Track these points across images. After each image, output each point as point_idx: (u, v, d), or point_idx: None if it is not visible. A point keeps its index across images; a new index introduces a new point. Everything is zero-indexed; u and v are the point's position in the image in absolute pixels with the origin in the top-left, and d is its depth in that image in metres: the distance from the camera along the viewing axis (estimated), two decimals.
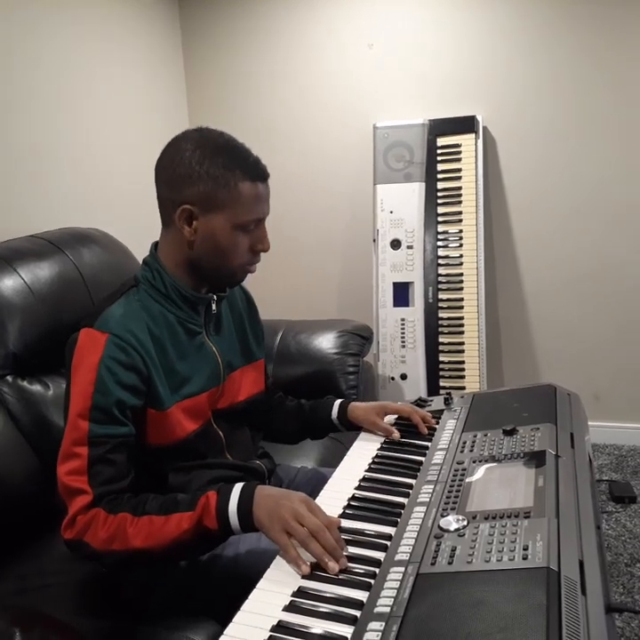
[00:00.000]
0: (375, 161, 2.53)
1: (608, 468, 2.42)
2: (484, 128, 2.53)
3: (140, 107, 2.52)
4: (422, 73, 2.57)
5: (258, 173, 1.13)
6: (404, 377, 2.55)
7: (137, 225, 1.97)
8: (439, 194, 2.50)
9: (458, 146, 2.51)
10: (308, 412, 1.41)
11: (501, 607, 0.75)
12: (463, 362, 2.49)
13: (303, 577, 0.88)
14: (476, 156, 2.48)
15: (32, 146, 2.00)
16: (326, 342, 2.04)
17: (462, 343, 2.50)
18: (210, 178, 1.09)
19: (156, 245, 1.22)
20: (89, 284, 1.69)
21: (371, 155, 2.54)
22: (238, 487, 1.00)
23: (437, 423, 1.37)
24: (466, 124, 2.50)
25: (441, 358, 2.51)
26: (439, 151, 2.51)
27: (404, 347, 2.55)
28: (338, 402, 1.39)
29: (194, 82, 2.82)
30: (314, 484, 1.32)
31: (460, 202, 2.48)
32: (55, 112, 2.10)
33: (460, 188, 2.49)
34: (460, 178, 2.49)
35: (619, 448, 2.56)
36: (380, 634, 0.75)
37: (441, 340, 2.51)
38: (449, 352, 2.51)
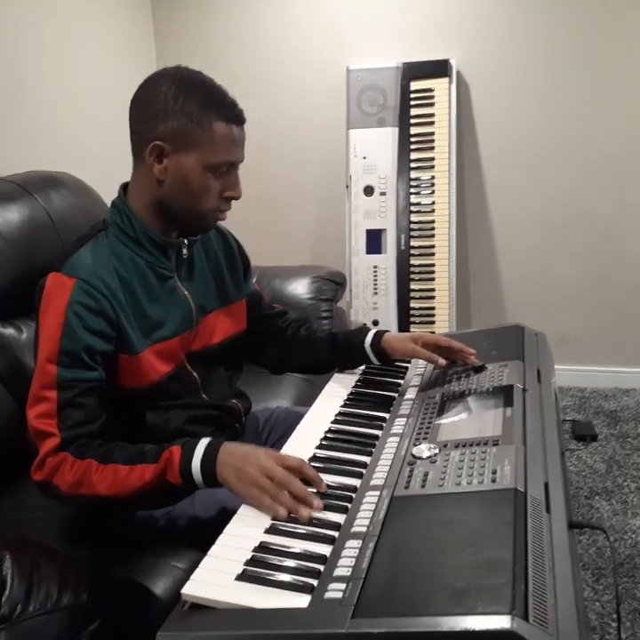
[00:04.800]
0: (348, 105, 2.50)
1: (571, 409, 2.52)
2: (458, 72, 2.51)
3: (107, 48, 2.44)
4: (397, 14, 2.52)
5: (234, 115, 1.11)
6: (375, 323, 2.58)
7: (104, 169, 1.93)
8: (412, 139, 2.49)
9: (431, 90, 2.49)
10: (341, 341, 1.37)
11: (472, 524, 0.80)
12: (433, 308, 2.54)
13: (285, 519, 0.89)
14: (449, 101, 2.47)
15: None
16: (300, 288, 2.06)
17: (433, 290, 2.54)
18: (184, 114, 1.07)
19: (124, 187, 1.19)
20: (59, 229, 1.66)
21: (344, 99, 2.51)
22: (203, 443, 0.99)
23: (409, 363, 1.41)
24: (439, 68, 2.48)
25: (412, 304, 2.55)
26: (412, 95, 2.49)
27: (376, 294, 2.57)
28: (373, 331, 1.36)
29: (161, 24, 2.72)
30: (289, 423, 1.35)
31: (432, 148, 2.48)
32: (23, 53, 2.02)
33: (432, 134, 2.48)
34: (432, 123, 2.48)
35: (582, 390, 2.65)
36: (358, 551, 0.79)
37: (412, 286, 2.54)
38: (420, 298, 2.54)
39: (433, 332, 2.53)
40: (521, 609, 0.65)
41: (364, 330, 1.37)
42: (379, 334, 1.34)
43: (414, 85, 2.49)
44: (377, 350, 1.33)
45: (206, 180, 1.11)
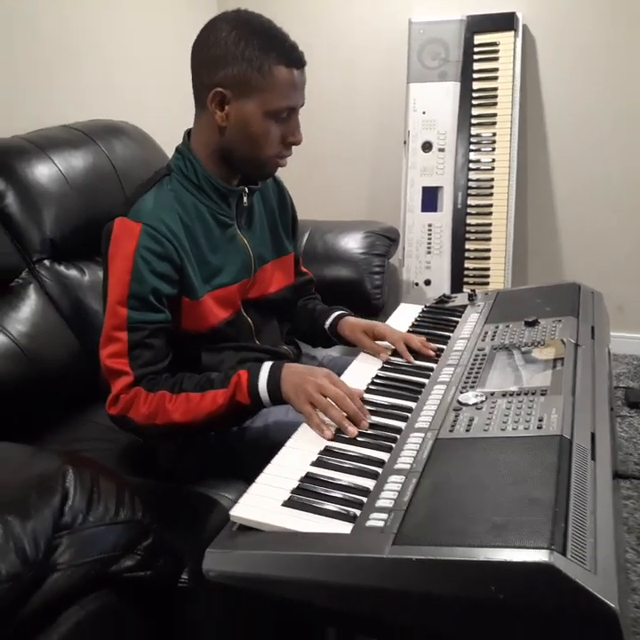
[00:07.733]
0: (409, 58, 2.45)
1: (626, 377, 2.46)
2: (524, 26, 2.42)
3: None
4: None
5: (294, 59, 1.10)
6: (428, 283, 2.57)
7: (162, 118, 1.96)
8: (474, 94, 2.42)
9: (496, 44, 2.41)
10: (316, 316, 1.39)
11: (515, 465, 0.81)
12: (488, 268, 2.50)
13: (329, 439, 0.94)
14: (514, 56, 2.39)
15: (59, 36, 1.97)
16: (353, 242, 2.06)
17: (488, 250, 2.49)
18: (244, 60, 1.07)
19: (188, 133, 1.21)
20: (121, 176, 1.71)
21: (405, 52, 2.46)
22: (267, 365, 1.07)
23: (460, 317, 1.40)
24: (505, 22, 2.39)
25: (466, 265, 2.51)
26: (476, 49, 2.41)
27: (429, 252, 2.55)
28: (336, 313, 1.36)
29: None
30: (337, 371, 1.37)
31: (495, 104, 2.41)
32: (84, 1, 2.06)
33: (495, 89, 2.41)
34: (496, 78, 2.41)
35: (638, 358, 2.58)
36: (401, 485, 0.81)
37: (467, 246, 2.50)
38: (475, 259, 2.51)
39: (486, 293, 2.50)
40: (560, 545, 0.66)
41: (329, 311, 1.38)
42: (339, 317, 1.35)
43: (478, 39, 2.42)
44: (334, 333, 1.35)
45: (267, 125, 1.11)
